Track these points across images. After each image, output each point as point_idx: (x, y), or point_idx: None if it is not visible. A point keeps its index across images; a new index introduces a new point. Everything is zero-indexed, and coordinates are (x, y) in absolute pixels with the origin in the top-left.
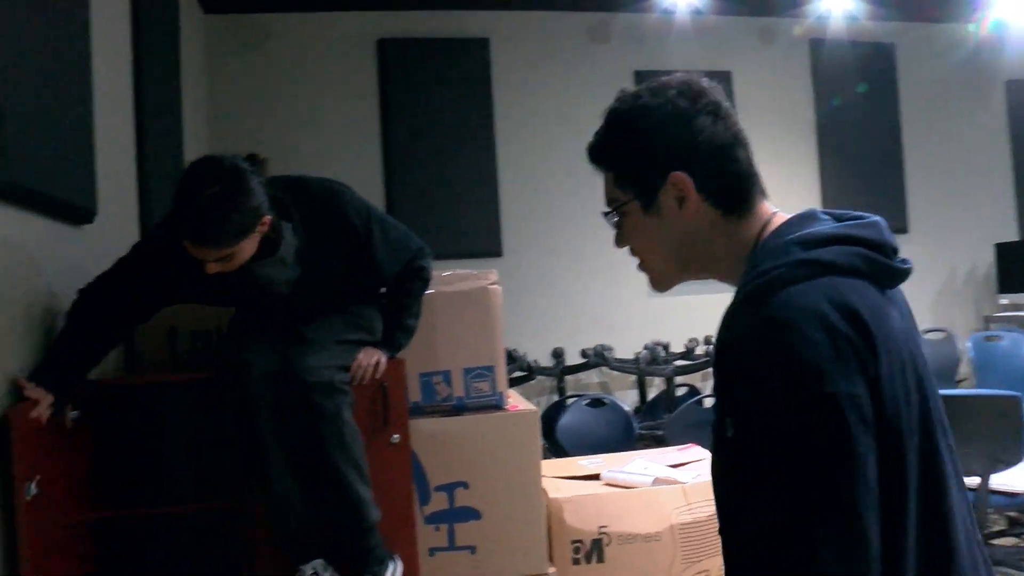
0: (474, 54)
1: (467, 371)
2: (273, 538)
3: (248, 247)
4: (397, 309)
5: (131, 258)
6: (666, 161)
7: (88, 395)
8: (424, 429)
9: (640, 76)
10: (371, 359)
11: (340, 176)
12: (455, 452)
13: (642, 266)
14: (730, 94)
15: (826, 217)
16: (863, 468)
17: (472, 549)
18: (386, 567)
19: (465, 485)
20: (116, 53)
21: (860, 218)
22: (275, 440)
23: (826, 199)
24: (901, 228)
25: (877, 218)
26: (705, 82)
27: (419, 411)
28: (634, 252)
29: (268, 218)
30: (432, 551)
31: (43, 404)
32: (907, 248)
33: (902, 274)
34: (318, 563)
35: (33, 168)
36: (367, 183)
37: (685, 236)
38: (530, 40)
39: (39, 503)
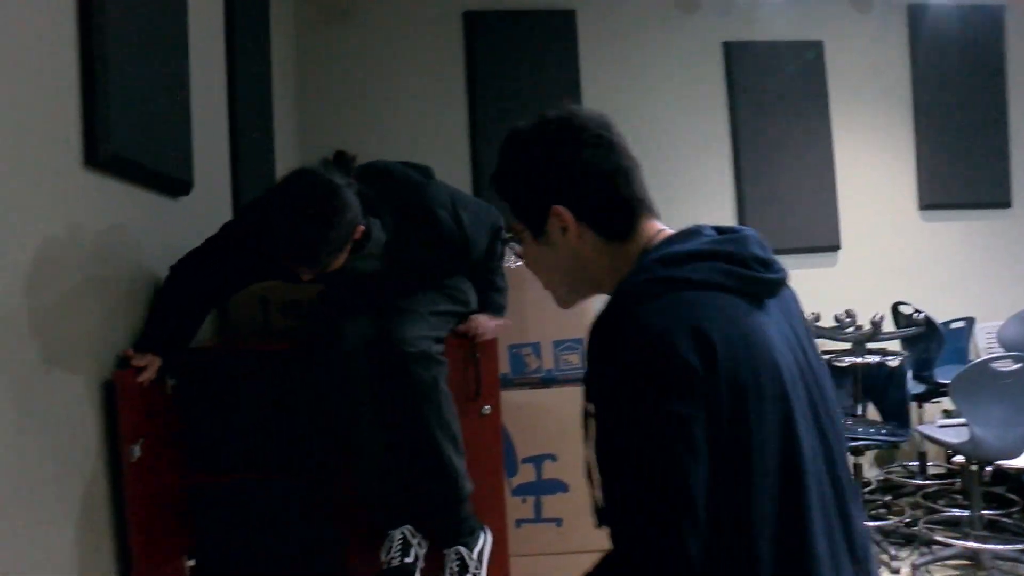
0: (560, 25)
1: (556, 343)
2: (363, 505)
3: (343, 257)
4: (486, 272)
5: (220, 239)
6: (547, 195)
7: (184, 363)
8: (513, 401)
9: (729, 47)
10: (487, 323)
11: (426, 150)
12: (543, 424)
13: (545, 287)
14: (821, 66)
15: (711, 233)
16: (685, 479)
17: (558, 522)
18: (476, 538)
19: (553, 457)
20: (210, 28)
21: (732, 232)
22: (368, 409)
23: (921, 175)
24: (1004, 203)
25: (747, 232)
26: (587, 113)
27: (508, 383)
28: (535, 274)
29: (362, 228)
30: (519, 523)
31: (151, 367)
32: (1010, 224)
33: (772, 284)
34: (407, 529)
35: (135, 141)
36: (453, 156)
37: (573, 261)
38: (617, 11)
39: (142, 465)
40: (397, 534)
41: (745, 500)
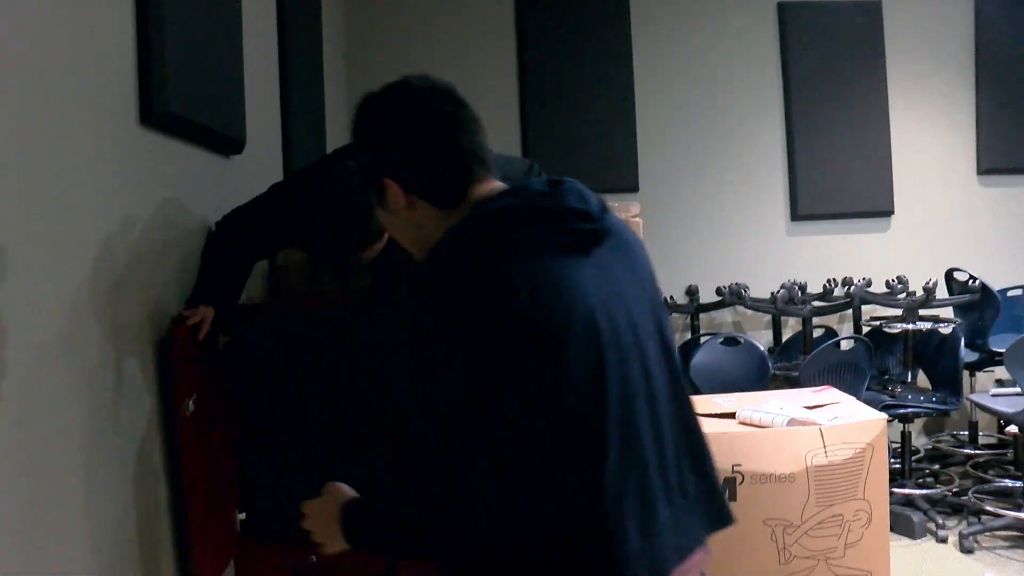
0: None
1: None
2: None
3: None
4: None
5: (268, 198)
6: (379, 168)
7: (236, 320)
8: None
9: (782, 9)
10: None
11: (477, 110)
12: None
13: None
14: (879, 27)
15: (535, 187)
16: (482, 410)
17: None
18: None
19: None
20: None
21: (554, 185)
22: None
23: (981, 138)
24: None
25: (568, 186)
26: (420, 84)
27: None
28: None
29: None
30: None
31: (206, 320)
32: None
33: (590, 234)
34: None
35: (190, 100)
36: (504, 117)
37: (414, 229)
38: None
39: (196, 420)
40: None
41: (545, 436)
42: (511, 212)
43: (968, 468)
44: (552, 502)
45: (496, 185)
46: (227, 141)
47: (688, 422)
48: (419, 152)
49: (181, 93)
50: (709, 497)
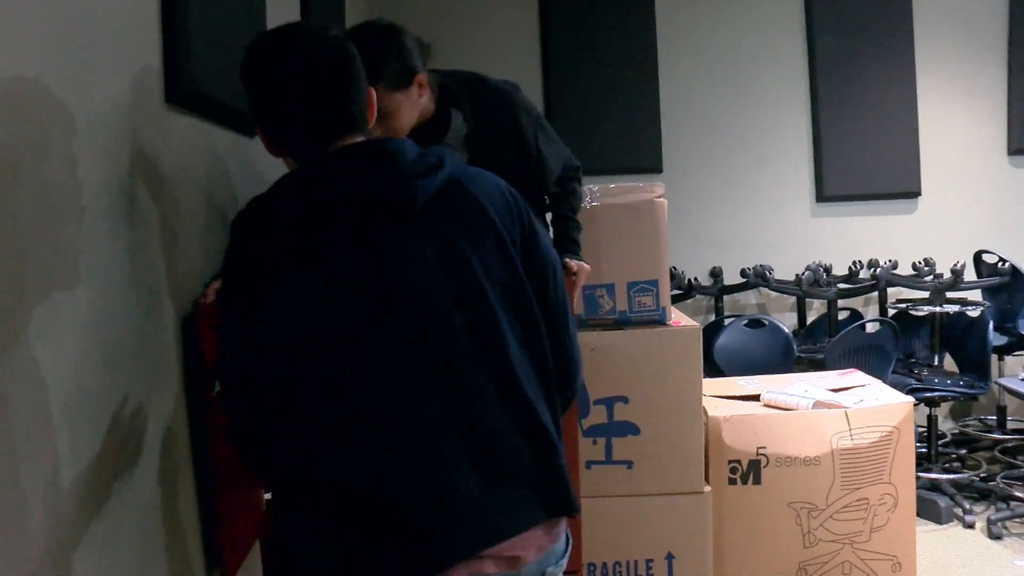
0: None
1: (631, 285)
2: None
3: (406, 109)
4: (568, 211)
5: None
6: (255, 118)
7: None
8: (586, 342)
9: None
10: (578, 268)
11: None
12: (616, 366)
13: None
14: (908, 6)
15: (354, 155)
16: (233, 354)
17: (629, 464)
18: None
19: (625, 400)
20: None
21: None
22: None
23: (1013, 117)
24: None
25: (387, 149)
26: (277, 37)
27: (581, 324)
28: None
29: (423, 76)
30: (589, 464)
31: None
32: None
33: (403, 202)
34: None
35: (216, 79)
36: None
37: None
38: None
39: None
40: None
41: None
42: (300, 179)
43: (996, 453)
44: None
45: (344, 143)
46: (252, 120)
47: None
48: (272, 109)
49: (206, 72)
50: (539, 478)
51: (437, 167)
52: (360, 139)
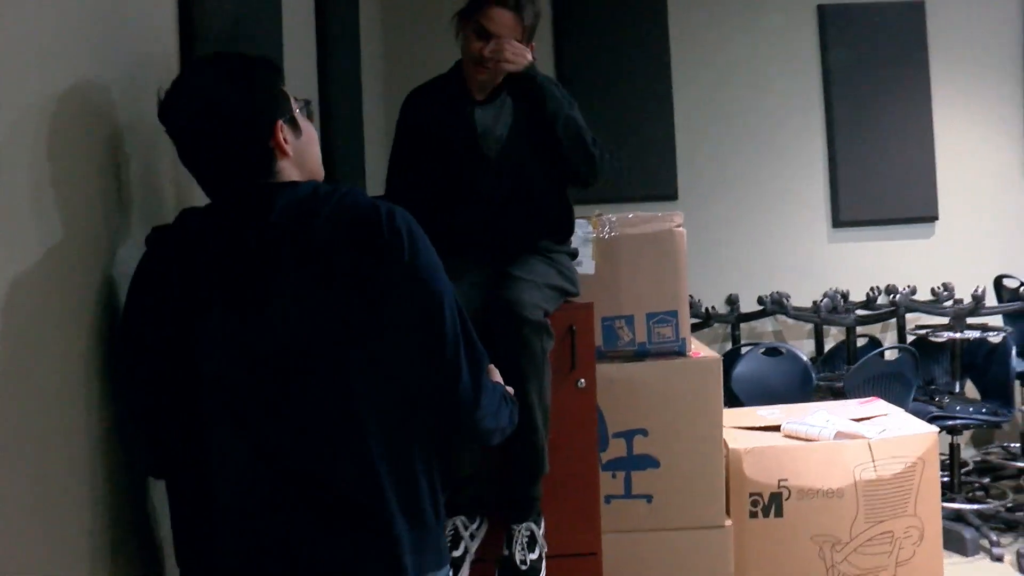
0: None
1: (650, 316)
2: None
3: (519, 46)
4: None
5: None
6: None
7: None
8: (604, 374)
9: (823, 11)
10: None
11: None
12: (635, 398)
13: None
14: (922, 28)
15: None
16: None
17: (648, 498)
18: (542, 520)
19: (644, 432)
20: (302, 13)
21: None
22: None
23: None
24: None
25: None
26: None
27: (600, 356)
28: None
29: (533, 46)
30: (608, 499)
31: None
32: None
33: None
34: (460, 520)
35: None
36: None
37: None
38: None
39: None
40: (448, 524)
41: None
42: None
43: (1021, 482)
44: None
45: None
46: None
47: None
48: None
49: None
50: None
51: (309, 212)
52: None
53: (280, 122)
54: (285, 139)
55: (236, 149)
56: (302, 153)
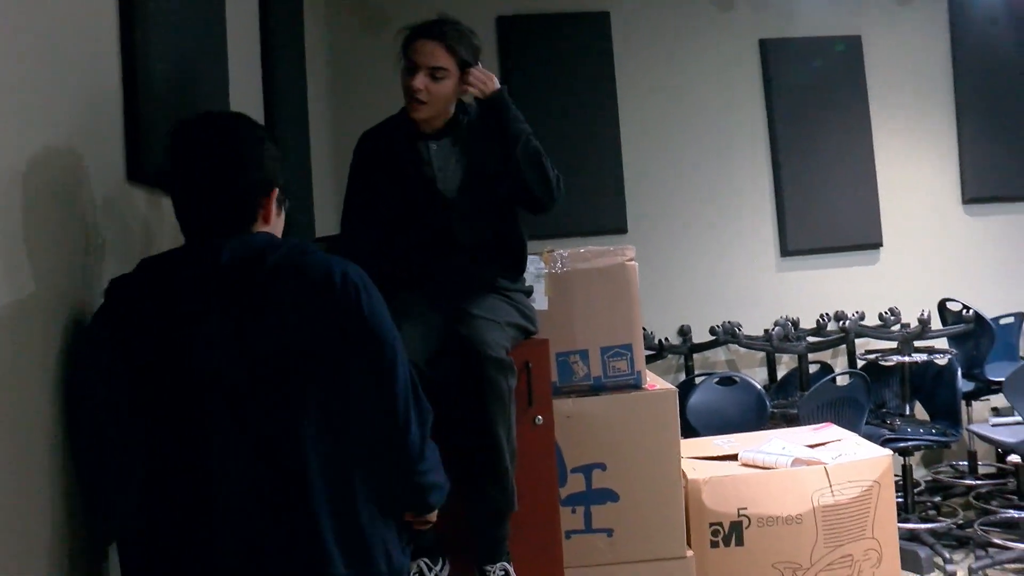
0: (595, 28)
1: (604, 350)
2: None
3: (447, 85)
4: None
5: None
6: None
7: None
8: (561, 409)
9: (765, 45)
10: (487, 76)
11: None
12: (592, 433)
13: None
14: (859, 60)
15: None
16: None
17: (609, 532)
18: (510, 559)
19: (603, 467)
20: (247, 41)
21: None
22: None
23: (964, 168)
24: None
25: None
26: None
27: (556, 391)
28: None
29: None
30: (568, 534)
31: None
32: None
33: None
34: (423, 561)
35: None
36: None
37: None
38: (652, 11)
39: None
40: (413, 567)
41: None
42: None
43: (970, 499)
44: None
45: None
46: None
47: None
48: None
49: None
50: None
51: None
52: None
53: (276, 190)
54: (273, 208)
55: (235, 196)
56: (273, 229)
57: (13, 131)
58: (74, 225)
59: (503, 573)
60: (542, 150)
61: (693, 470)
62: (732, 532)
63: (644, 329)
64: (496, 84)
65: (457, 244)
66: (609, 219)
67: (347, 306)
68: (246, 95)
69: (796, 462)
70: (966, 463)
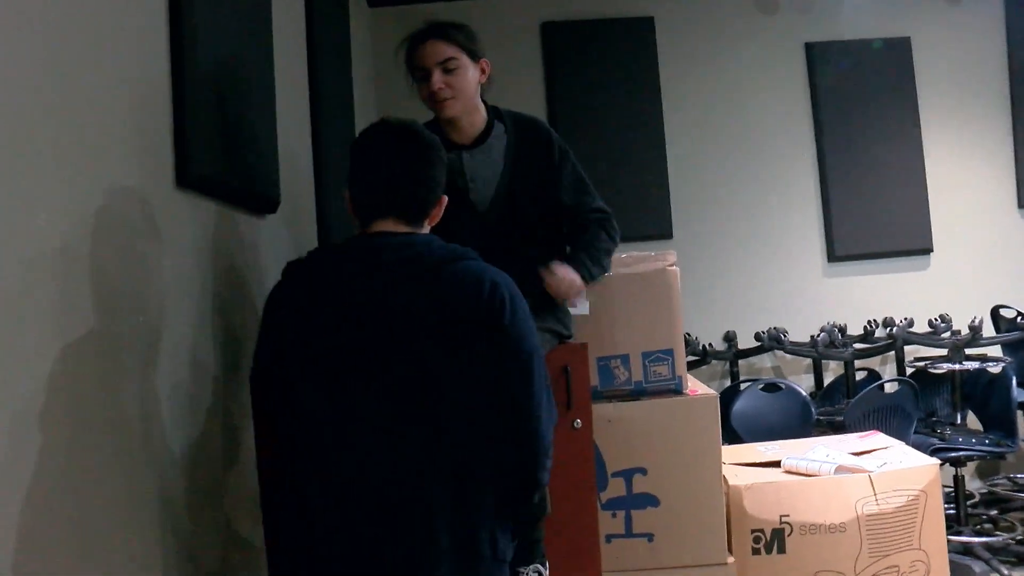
0: (639, 33)
1: (646, 355)
2: None
3: (470, 76)
4: (584, 244)
5: None
6: None
7: None
8: (602, 414)
9: (811, 48)
10: (569, 274)
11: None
12: (633, 437)
13: None
14: (909, 62)
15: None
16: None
17: (649, 537)
18: (546, 562)
19: (643, 471)
20: (294, 49)
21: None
22: None
23: (1020, 170)
24: None
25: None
26: (380, 127)
27: (597, 395)
28: None
29: (486, 62)
30: (609, 538)
31: None
32: None
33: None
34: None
35: (225, 162)
36: None
37: None
38: (696, 16)
39: None
40: (530, 571)
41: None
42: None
43: None
44: None
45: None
46: (261, 200)
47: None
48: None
49: (215, 155)
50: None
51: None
52: (393, 228)
53: (445, 196)
54: (439, 212)
55: (421, 195)
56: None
57: (64, 144)
58: (124, 231)
59: (536, 575)
60: (607, 264)
61: (735, 476)
62: (774, 539)
63: (688, 335)
64: (578, 284)
65: (488, 254)
66: (655, 225)
67: (491, 313)
68: (293, 102)
69: (840, 469)
70: None
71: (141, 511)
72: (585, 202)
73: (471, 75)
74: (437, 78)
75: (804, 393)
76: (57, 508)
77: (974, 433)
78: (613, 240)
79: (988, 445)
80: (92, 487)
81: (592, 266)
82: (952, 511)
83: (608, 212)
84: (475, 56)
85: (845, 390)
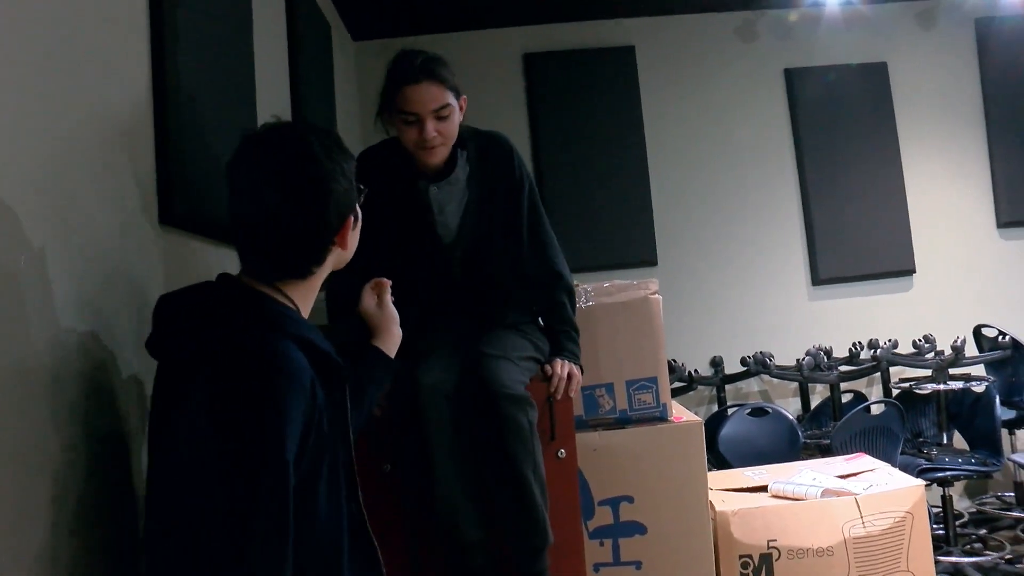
0: (621, 62)
1: (630, 383)
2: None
3: (456, 120)
4: (559, 321)
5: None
6: None
7: None
8: (587, 443)
9: (790, 74)
10: (564, 370)
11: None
12: (619, 466)
13: None
14: (886, 86)
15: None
16: None
17: (637, 564)
18: None
19: (630, 499)
20: (277, 84)
21: None
22: (449, 455)
23: (998, 191)
24: None
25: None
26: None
27: (582, 424)
28: None
29: (464, 99)
30: (597, 567)
31: None
32: None
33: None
34: None
35: (208, 198)
36: None
37: None
38: (676, 44)
39: None
40: None
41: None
42: None
43: (1019, 532)
44: None
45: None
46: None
47: None
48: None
49: (198, 192)
50: None
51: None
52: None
53: (351, 216)
54: (349, 231)
55: (303, 231)
56: (350, 246)
57: (47, 175)
58: (105, 267)
59: None
60: (571, 316)
61: (722, 502)
62: (762, 564)
63: (674, 361)
64: (577, 377)
65: (456, 287)
66: (639, 252)
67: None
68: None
69: (826, 493)
70: (1013, 494)
71: None
72: (547, 264)
73: (457, 118)
74: (431, 127)
75: (791, 417)
76: None
77: (960, 452)
78: (573, 298)
79: (974, 464)
80: None
81: (576, 348)
82: (941, 531)
83: (569, 280)
84: (459, 94)
85: (832, 412)
